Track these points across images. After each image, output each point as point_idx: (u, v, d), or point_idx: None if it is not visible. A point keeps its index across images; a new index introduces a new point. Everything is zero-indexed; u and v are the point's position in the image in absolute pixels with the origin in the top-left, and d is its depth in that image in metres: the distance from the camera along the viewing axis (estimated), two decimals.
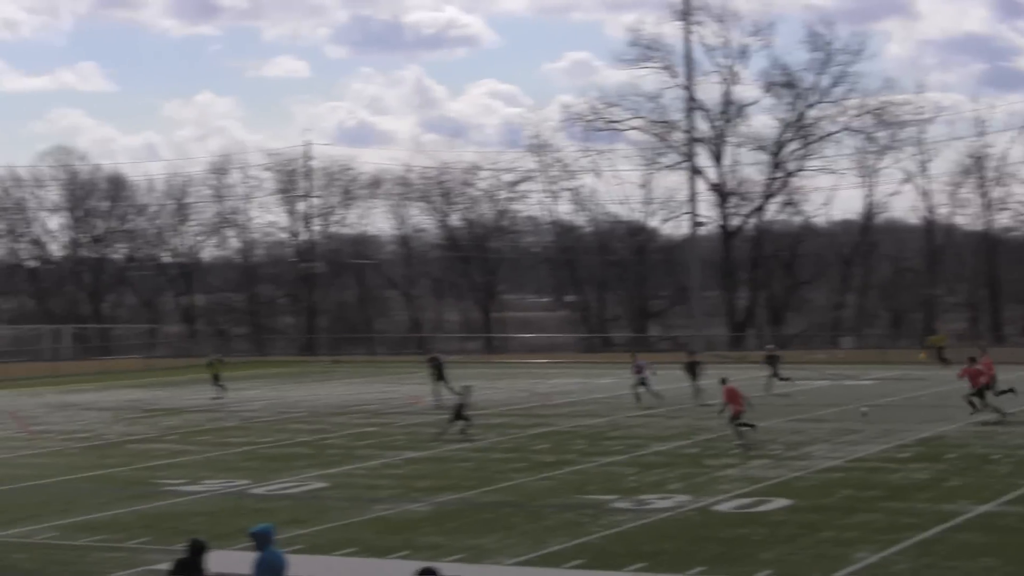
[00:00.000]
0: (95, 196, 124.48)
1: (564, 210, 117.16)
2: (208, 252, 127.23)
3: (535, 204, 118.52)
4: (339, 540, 26.64)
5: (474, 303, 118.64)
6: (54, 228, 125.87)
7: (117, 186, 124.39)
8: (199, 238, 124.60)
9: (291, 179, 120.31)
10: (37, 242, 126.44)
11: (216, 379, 64.33)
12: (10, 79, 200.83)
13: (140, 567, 24.57)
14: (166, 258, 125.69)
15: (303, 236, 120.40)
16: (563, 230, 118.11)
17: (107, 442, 45.54)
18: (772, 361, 58.73)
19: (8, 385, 74.61)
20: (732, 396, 40.85)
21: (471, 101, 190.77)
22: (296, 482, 34.79)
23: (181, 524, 28.63)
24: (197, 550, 16.71)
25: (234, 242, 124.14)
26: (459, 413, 44.75)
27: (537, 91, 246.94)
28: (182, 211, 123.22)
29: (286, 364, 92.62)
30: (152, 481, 35.64)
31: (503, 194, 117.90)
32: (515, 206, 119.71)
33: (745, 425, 40.71)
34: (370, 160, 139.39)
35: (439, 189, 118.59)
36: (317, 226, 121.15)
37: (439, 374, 56.66)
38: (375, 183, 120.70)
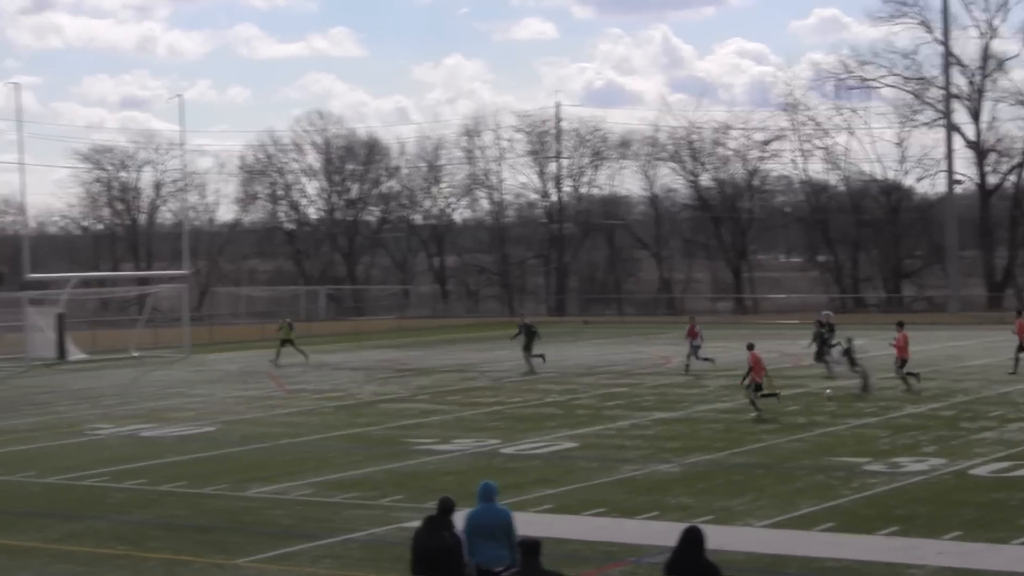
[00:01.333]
0: (350, 160, 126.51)
1: (816, 169, 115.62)
2: (460, 213, 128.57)
3: (787, 163, 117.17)
4: (588, 500, 26.69)
5: (724, 263, 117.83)
6: (311, 192, 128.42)
7: (371, 150, 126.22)
8: (450, 200, 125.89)
9: (541, 140, 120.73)
10: (295, 205, 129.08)
11: (285, 344, 63.41)
12: (265, 46, 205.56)
13: (392, 524, 24.91)
14: (418, 220, 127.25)
15: (553, 197, 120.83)
16: (815, 189, 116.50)
17: (360, 401, 46.31)
18: None
19: (265, 345, 76.32)
20: (756, 364, 39.65)
21: (719, 60, 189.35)
22: (545, 442, 34.95)
23: (431, 483, 28.97)
24: (446, 508, 16.84)
25: (485, 203, 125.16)
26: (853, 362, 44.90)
27: (786, 49, 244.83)
28: (434, 173, 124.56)
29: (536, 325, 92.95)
30: (403, 440, 36.14)
31: (754, 153, 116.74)
32: (766, 165, 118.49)
33: (770, 395, 39.69)
34: (619, 120, 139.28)
35: (689, 149, 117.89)
36: (567, 187, 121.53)
37: (528, 342, 55.96)
38: (624, 144, 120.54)
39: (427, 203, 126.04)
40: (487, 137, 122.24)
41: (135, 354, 69.96)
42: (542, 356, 56.12)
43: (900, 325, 46.64)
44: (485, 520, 17.08)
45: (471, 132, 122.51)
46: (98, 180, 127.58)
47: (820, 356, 50.74)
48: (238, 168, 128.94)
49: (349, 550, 23.14)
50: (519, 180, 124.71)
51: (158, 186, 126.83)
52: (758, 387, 39.56)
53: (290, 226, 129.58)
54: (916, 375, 45.06)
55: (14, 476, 32.06)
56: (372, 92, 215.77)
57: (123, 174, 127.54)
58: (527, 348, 55.84)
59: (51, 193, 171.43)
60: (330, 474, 30.87)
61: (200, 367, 62.39)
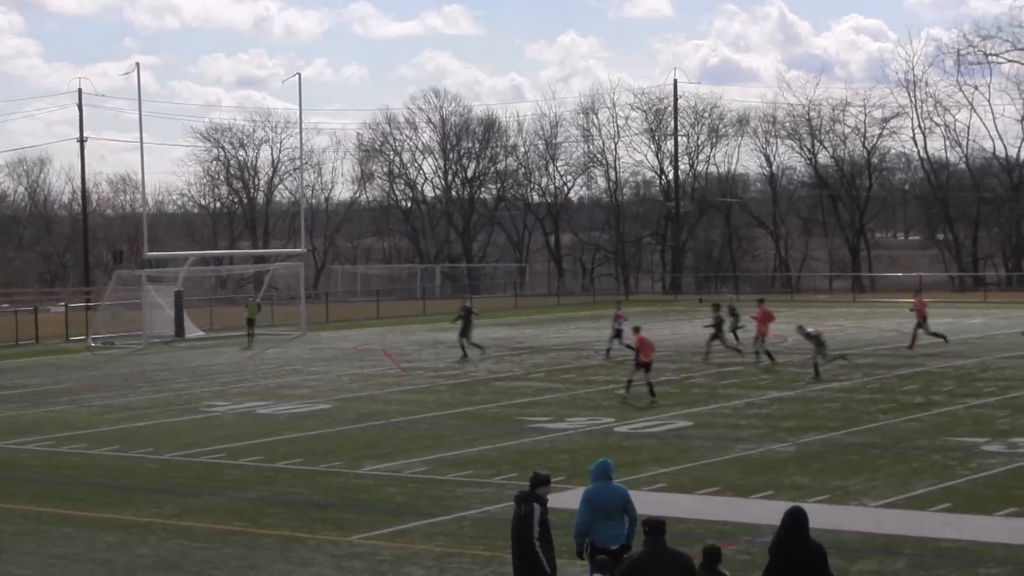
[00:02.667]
0: (467, 138, 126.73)
1: (936, 146, 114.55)
2: (576, 192, 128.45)
3: (906, 141, 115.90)
4: (702, 479, 26.56)
5: (842, 241, 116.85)
6: (428, 170, 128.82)
7: (488, 128, 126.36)
8: (567, 178, 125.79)
9: (658, 118, 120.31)
10: (411, 184, 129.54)
11: (251, 323, 65.72)
12: (380, 24, 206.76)
13: (506, 502, 24.87)
14: (535, 198, 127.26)
15: (670, 175, 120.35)
16: (935, 167, 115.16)
17: (474, 379, 46.38)
18: None
19: (381, 323, 76.74)
20: (643, 345, 39.45)
21: (835, 36, 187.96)
22: (660, 421, 34.83)
23: (546, 461, 28.92)
24: (533, 482, 16.94)
25: (601, 181, 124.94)
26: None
27: (904, 25, 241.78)
28: (550, 151, 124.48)
29: (651, 303, 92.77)
30: (518, 418, 36.15)
31: (873, 131, 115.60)
32: (885, 143, 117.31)
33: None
34: (735, 98, 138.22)
35: (807, 126, 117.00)
36: (684, 165, 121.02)
37: (465, 327, 54.50)
38: (742, 121, 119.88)
39: (544, 181, 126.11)
40: (603, 115, 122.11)
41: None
42: (481, 348, 54.86)
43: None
44: (603, 498, 17.06)
45: (587, 110, 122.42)
46: (216, 159, 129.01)
47: (717, 337, 51.01)
48: (355, 146, 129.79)
49: (462, 527, 23.18)
50: (635, 158, 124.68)
51: (275, 164, 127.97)
52: (647, 367, 39.37)
53: (406, 204, 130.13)
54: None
55: (132, 452, 32.44)
56: (487, 70, 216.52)
57: (241, 153, 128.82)
58: (464, 334, 54.46)
59: (170, 172, 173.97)
60: (444, 452, 30.94)
61: (316, 345, 62.77)
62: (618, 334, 52.34)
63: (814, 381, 42.10)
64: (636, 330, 41.10)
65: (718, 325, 50.58)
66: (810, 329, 45.55)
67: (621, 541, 16.94)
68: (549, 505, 17.09)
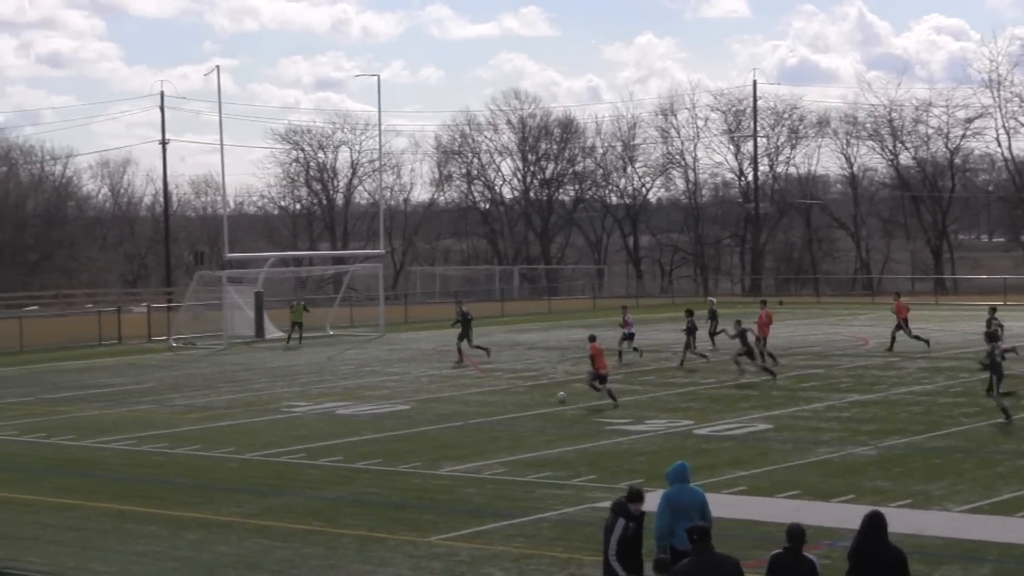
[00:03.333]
0: (545, 139, 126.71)
1: (1021, 147, 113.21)
2: (654, 193, 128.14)
3: (990, 141, 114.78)
4: (781, 482, 26.39)
5: (924, 243, 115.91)
6: (506, 171, 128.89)
7: (566, 129, 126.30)
8: (646, 179, 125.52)
9: (737, 119, 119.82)
10: (490, 185, 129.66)
11: (296, 326, 65.55)
12: (457, 26, 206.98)
13: (584, 504, 24.88)
14: (613, 199, 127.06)
15: (749, 176, 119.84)
16: (1020, 167, 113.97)
17: (553, 381, 46.30)
18: None
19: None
20: (596, 356, 38.96)
21: (916, 36, 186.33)
22: (739, 423, 34.65)
23: (624, 463, 28.89)
24: (630, 497, 16.74)
25: (680, 183, 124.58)
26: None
27: (986, 24, 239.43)
28: (629, 153, 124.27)
29: (730, 305, 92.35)
30: (596, 420, 36.08)
31: (956, 131, 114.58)
32: (969, 143, 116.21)
33: (611, 396, 39.19)
34: (815, 98, 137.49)
35: (889, 127, 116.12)
36: (764, 166, 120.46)
37: (464, 331, 54.48)
38: (822, 122, 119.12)
39: (622, 182, 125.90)
40: (682, 116, 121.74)
41: (331, 332, 70.80)
42: (486, 349, 54.88)
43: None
44: (681, 501, 17.01)
45: (666, 111, 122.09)
46: (296, 160, 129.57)
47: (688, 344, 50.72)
48: (433, 148, 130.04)
49: (541, 529, 23.15)
50: (714, 159, 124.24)
51: (355, 166, 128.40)
52: (602, 379, 39.09)
53: (484, 205, 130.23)
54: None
55: (213, 452, 32.63)
56: (563, 71, 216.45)
57: (320, 154, 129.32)
58: (463, 337, 54.45)
59: (249, 173, 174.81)
60: (523, 453, 30.92)
61: (394, 346, 62.90)
62: (629, 337, 52.59)
63: (769, 377, 43.32)
64: (592, 339, 40.44)
65: (691, 331, 50.20)
66: (743, 328, 45.52)
67: None
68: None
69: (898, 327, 53.31)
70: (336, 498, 26.40)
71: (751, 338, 45.60)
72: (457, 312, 56.52)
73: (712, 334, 55.64)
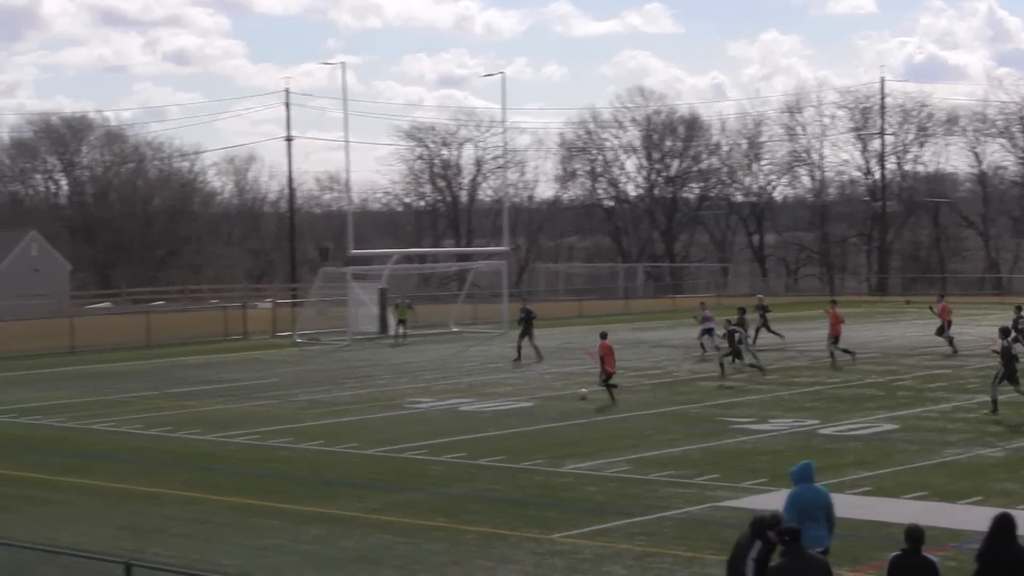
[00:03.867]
0: (670, 136, 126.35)
1: None
2: (780, 191, 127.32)
3: None
4: (907, 484, 26.09)
5: None
6: (630, 168, 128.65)
7: (691, 127, 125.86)
8: (771, 177, 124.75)
9: (865, 116, 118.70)
10: (614, 182, 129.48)
11: (401, 324, 65.68)
12: (580, 23, 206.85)
13: (707, 503, 24.76)
14: (738, 197, 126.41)
15: (876, 174, 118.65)
16: None
17: (677, 379, 46.16)
18: None
19: (583, 321, 76.70)
20: (607, 353, 39.47)
21: None
22: (865, 423, 34.30)
23: (747, 462, 28.72)
24: (769, 525, 16.25)
25: (806, 181, 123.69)
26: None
27: None
28: (754, 150, 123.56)
29: (855, 304, 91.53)
30: (720, 419, 35.88)
31: None
32: None
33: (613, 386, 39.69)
34: (943, 96, 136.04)
35: (1020, 125, 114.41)
36: (891, 164, 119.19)
37: (526, 329, 54.21)
38: (951, 119, 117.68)
39: (747, 180, 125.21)
40: (808, 113, 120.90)
41: (455, 329, 71.04)
42: (538, 351, 54.46)
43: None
44: (807, 501, 16.87)
45: (792, 108, 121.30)
46: (420, 157, 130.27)
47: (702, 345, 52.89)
48: (557, 145, 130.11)
49: (663, 528, 23.05)
50: (841, 157, 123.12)
51: (479, 163, 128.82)
52: (607, 377, 39.45)
53: (609, 203, 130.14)
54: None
55: (337, 447, 32.84)
56: (687, 68, 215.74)
57: (444, 151, 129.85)
58: (525, 334, 54.30)
59: (374, 170, 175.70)
60: (646, 451, 30.82)
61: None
62: (708, 332, 53.29)
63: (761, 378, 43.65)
64: (603, 336, 40.94)
65: (763, 325, 51.23)
66: (732, 328, 45.83)
67: (825, 544, 16.73)
68: None
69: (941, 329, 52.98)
70: (459, 494, 26.46)
71: (738, 338, 45.82)
72: (520, 310, 56.47)
73: (758, 328, 56.33)
